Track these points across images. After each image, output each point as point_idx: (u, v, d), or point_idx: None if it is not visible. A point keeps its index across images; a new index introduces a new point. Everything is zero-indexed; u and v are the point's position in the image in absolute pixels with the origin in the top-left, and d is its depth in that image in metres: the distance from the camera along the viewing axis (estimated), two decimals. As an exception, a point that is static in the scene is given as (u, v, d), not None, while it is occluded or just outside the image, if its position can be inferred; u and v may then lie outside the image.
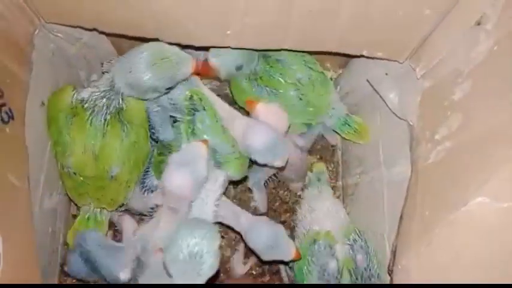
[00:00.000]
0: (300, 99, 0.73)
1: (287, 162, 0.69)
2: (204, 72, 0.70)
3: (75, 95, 0.66)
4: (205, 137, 0.65)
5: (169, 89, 0.65)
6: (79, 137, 0.64)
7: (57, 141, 0.66)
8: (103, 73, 0.73)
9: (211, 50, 0.68)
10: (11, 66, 0.56)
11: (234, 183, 0.75)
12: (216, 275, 0.56)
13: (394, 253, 0.58)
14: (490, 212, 0.46)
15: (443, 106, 0.56)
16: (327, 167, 0.85)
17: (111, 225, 0.78)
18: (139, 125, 0.67)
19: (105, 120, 0.64)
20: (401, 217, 0.59)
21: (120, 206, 0.74)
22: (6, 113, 0.53)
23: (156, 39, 0.63)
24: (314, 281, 0.67)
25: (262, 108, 0.68)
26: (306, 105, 0.74)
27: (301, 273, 0.69)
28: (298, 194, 0.87)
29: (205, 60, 0.69)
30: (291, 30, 0.60)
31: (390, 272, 0.57)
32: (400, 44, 0.61)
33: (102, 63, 0.76)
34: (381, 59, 0.65)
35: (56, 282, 0.75)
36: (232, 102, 0.76)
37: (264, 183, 0.81)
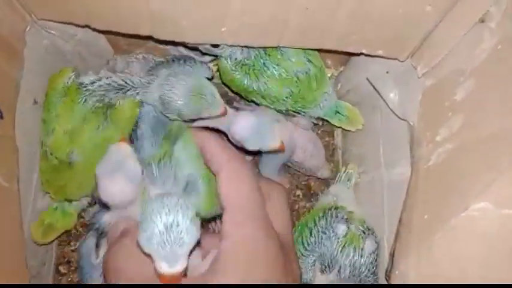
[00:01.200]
0: (291, 94, 0.71)
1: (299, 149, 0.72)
2: None
3: (72, 77, 0.65)
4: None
5: (192, 121, 0.67)
6: (64, 117, 0.63)
7: (44, 118, 0.65)
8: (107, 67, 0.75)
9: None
10: (0, 63, 0.54)
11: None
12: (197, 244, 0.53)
13: (392, 257, 0.56)
14: (492, 218, 0.44)
15: (444, 106, 0.54)
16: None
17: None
18: (119, 128, 0.65)
19: (92, 106, 0.63)
20: (400, 220, 0.58)
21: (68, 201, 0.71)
22: (-5, 112, 0.52)
23: (151, 37, 0.62)
24: (309, 236, 0.69)
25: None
26: (297, 100, 0.72)
27: (303, 227, 0.71)
28: (297, 194, 0.86)
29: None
30: (289, 28, 0.58)
31: (388, 278, 0.56)
32: (400, 42, 0.59)
33: (108, 61, 0.78)
34: (382, 57, 0.63)
35: (51, 281, 0.75)
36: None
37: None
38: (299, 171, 0.85)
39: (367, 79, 0.69)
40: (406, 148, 0.62)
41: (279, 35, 0.61)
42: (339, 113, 0.76)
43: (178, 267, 0.49)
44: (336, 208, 0.72)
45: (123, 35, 0.65)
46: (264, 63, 0.69)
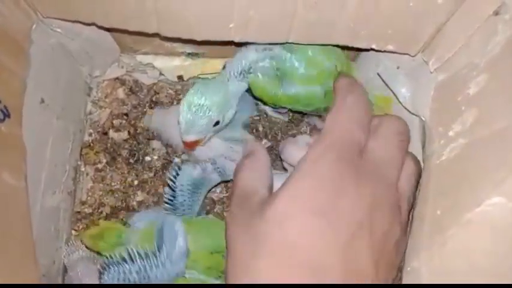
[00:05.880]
0: (325, 96, 0.68)
1: None
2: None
3: None
4: None
5: None
6: None
7: None
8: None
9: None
10: (6, 62, 0.54)
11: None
12: None
13: (404, 253, 0.56)
14: (507, 213, 0.43)
15: (457, 101, 0.53)
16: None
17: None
18: None
19: None
20: (412, 216, 0.57)
21: None
22: (2, 110, 0.52)
23: (157, 35, 0.62)
24: None
25: None
26: (328, 99, 0.68)
27: None
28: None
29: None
30: (296, 23, 0.57)
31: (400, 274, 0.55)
32: (411, 36, 0.58)
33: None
34: (392, 52, 0.62)
35: (60, 281, 0.75)
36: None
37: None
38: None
39: (378, 74, 0.68)
40: (417, 144, 0.61)
41: (287, 30, 0.59)
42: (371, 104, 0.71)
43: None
44: None
45: (129, 33, 0.64)
46: (293, 65, 0.66)
